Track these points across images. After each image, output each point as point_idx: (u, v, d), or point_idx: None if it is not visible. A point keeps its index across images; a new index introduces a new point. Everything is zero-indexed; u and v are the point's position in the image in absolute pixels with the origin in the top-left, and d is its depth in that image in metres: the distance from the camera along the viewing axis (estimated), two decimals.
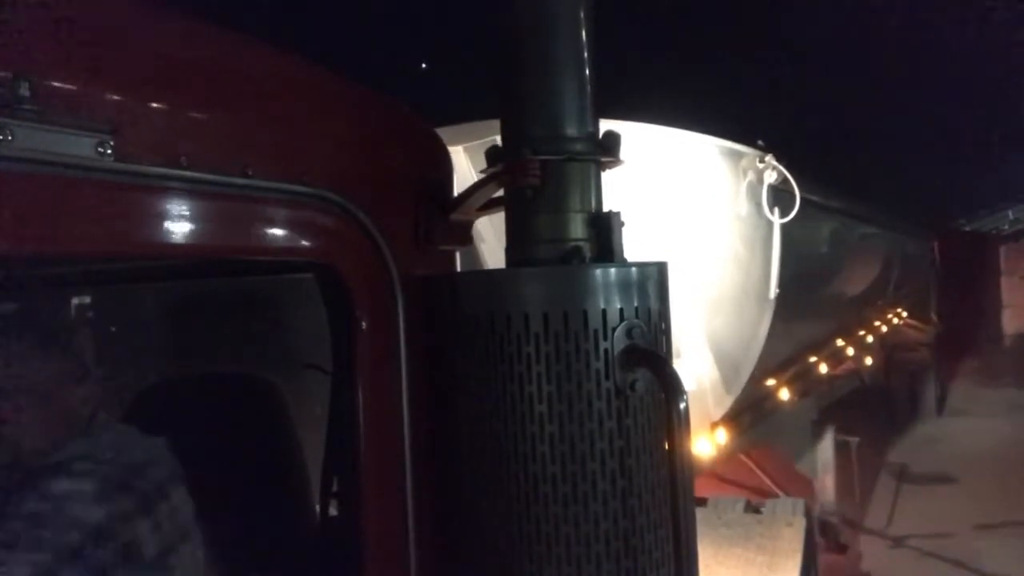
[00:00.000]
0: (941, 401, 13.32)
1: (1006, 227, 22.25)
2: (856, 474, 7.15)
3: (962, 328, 14.50)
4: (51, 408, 1.28)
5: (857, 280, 6.74)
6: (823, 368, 6.09)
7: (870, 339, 8.18)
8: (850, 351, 7.10)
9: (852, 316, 7.20)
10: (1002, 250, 18.91)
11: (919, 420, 12.39)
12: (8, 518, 1.16)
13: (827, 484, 6.24)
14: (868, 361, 8.22)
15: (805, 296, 4.82)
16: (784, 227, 3.82)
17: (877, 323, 8.82)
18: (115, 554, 1.21)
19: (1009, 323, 18.49)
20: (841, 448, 6.70)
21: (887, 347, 10.88)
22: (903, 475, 9.53)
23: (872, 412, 9.92)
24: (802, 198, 4.35)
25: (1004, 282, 18.64)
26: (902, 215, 9.54)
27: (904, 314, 10.85)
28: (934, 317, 12.91)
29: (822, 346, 6.13)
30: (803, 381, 5.56)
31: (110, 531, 1.21)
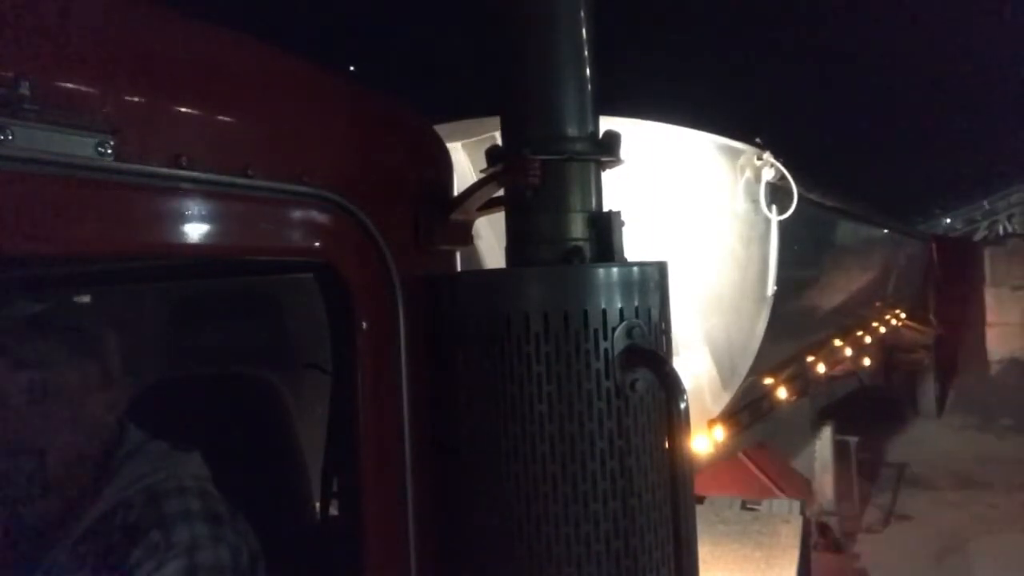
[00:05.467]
0: (941, 402, 12.94)
1: (979, 217, 21.81)
2: (855, 474, 7.17)
3: (957, 337, 13.39)
4: (76, 414, 1.25)
5: (857, 280, 6.74)
6: (820, 368, 6.10)
7: (868, 340, 8.16)
8: (848, 351, 7.11)
9: (851, 316, 7.21)
10: (987, 253, 14.24)
11: (919, 421, 12.17)
12: None
13: (825, 484, 6.25)
14: (866, 362, 8.19)
15: (804, 296, 4.83)
16: (783, 225, 3.82)
17: (875, 324, 8.79)
18: None
19: (996, 345, 13.96)
20: (840, 448, 6.71)
21: (886, 348, 10.87)
22: (902, 477, 9.45)
23: (871, 413, 9.92)
24: (801, 197, 4.36)
25: (990, 295, 14.05)
26: (897, 215, 9.54)
27: (903, 316, 10.83)
28: (932, 319, 12.64)
29: (820, 346, 6.13)
30: (801, 380, 5.57)
31: (240, 566, 1.23)
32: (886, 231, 7.95)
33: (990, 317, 14.05)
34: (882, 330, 9.12)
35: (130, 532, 1.20)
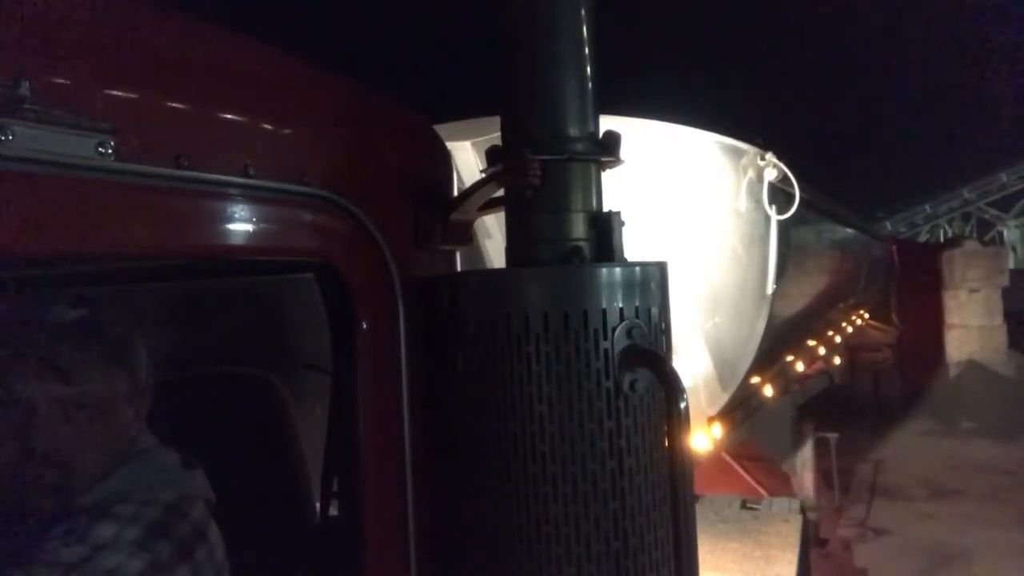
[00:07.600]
0: (905, 401, 13.33)
1: (920, 221, 22.51)
2: (835, 470, 7.25)
3: (918, 337, 13.73)
4: (106, 426, 1.21)
5: (834, 279, 6.84)
6: (799, 366, 6.20)
7: (838, 339, 8.34)
8: (821, 351, 7.22)
9: (826, 314, 7.33)
10: (944, 256, 14.14)
11: (884, 420, 12.38)
12: (44, 563, 1.08)
13: (806, 480, 6.33)
14: (837, 361, 8.39)
15: (791, 293, 4.89)
16: (780, 225, 3.85)
17: (843, 324, 9.00)
18: None
19: (955, 347, 13.88)
20: (820, 445, 6.81)
21: (851, 348, 11.10)
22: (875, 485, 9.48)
23: (843, 410, 10.10)
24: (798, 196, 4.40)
25: (948, 297, 14.02)
26: (865, 217, 9.81)
27: (866, 315, 11.01)
28: (894, 319, 12.99)
29: (797, 344, 6.22)
30: (783, 379, 5.65)
31: None
32: (857, 232, 8.18)
33: (949, 319, 14.12)
34: (849, 329, 9.38)
35: (71, 515, 1.15)
